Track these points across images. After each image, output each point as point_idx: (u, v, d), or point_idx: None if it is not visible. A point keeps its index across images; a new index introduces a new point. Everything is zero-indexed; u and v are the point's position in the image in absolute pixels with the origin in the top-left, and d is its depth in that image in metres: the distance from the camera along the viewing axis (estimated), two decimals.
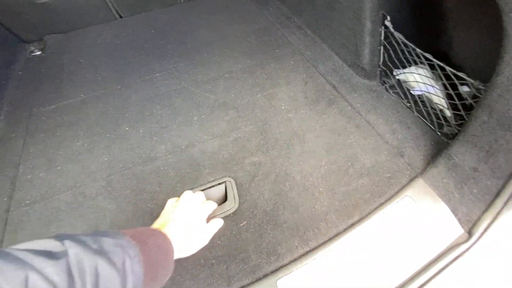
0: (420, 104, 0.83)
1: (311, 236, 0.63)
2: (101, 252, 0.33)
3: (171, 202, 0.63)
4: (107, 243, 0.35)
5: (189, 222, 0.57)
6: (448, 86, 0.73)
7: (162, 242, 0.48)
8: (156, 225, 0.56)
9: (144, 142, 0.86)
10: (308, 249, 0.61)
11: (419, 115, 0.83)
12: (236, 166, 0.77)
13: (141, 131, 0.89)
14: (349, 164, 0.74)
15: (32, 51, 1.25)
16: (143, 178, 0.76)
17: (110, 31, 1.35)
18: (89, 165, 0.81)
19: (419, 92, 0.85)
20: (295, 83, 0.99)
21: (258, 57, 1.11)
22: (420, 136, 0.79)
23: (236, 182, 0.73)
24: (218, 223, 0.64)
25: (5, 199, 0.75)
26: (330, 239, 0.62)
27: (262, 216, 0.67)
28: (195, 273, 0.59)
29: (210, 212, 0.64)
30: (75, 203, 0.73)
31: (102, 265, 0.32)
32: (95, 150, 0.85)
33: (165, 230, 0.53)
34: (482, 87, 0.63)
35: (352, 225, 0.64)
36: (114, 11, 1.39)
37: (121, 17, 1.43)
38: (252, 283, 0.57)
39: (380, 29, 0.86)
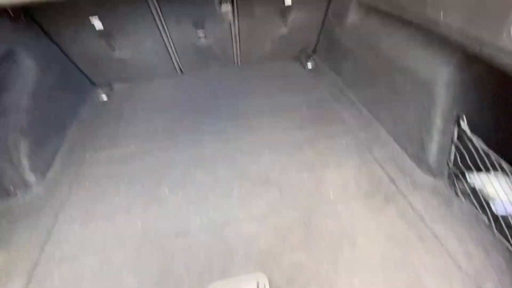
0: (502, 222, 0.68)
1: None
2: None
3: None
4: None
5: None
6: None
7: None
8: None
9: (180, 210, 0.82)
10: None
11: (502, 238, 0.68)
12: (273, 261, 0.68)
13: (179, 195, 0.86)
14: None
15: (99, 96, 1.37)
16: (172, 256, 0.71)
17: (170, 85, 1.45)
18: (123, 228, 0.78)
19: (503, 212, 0.70)
20: (346, 167, 0.91)
21: (308, 131, 1.07)
22: (505, 269, 0.63)
23: (270, 283, 0.63)
24: None
25: (37, 251, 0.74)
26: None
27: None
28: None
29: None
30: (100, 271, 0.69)
31: None
32: (132, 210, 0.83)
33: None
34: None
35: None
36: (177, 67, 1.51)
37: (182, 72, 1.54)
38: None
39: (453, 129, 0.77)
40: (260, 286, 0.63)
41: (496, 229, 0.70)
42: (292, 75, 1.45)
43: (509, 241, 0.67)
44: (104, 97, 1.36)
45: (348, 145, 1.00)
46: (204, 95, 1.34)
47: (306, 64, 1.49)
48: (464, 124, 0.74)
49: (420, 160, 0.88)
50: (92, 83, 1.44)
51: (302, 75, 1.44)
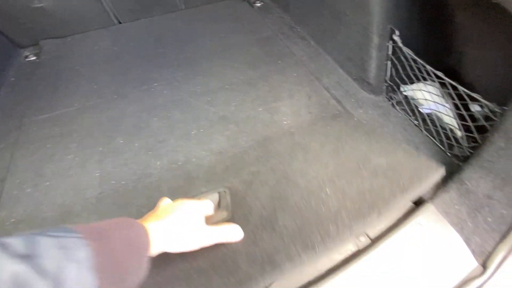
0: (429, 123, 0.79)
1: (317, 240, 0.58)
2: (28, 257, 0.26)
3: (164, 201, 0.56)
4: (44, 244, 0.28)
5: (184, 216, 0.50)
6: (460, 106, 0.69)
7: (136, 236, 0.40)
8: (141, 219, 0.48)
9: (139, 157, 0.81)
10: (313, 254, 0.56)
11: (428, 135, 0.80)
12: (232, 176, 0.72)
13: (136, 145, 0.85)
14: (361, 165, 0.69)
15: (27, 56, 1.21)
16: (134, 194, 0.72)
17: (108, 37, 1.31)
18: (80, 181, 0.76)
19: (428, 111, 0.81)
20: (298, 97, 0.95)
21: (260, 68, 1.07)
22: (429, 158, 0.75)
23: (231, 191, 0.68)
24: (232, 230, 0.56)
25: None
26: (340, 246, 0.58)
27: (257, 222, 0.60)
28: None
29: (209, 212, 0.57)
30: (60, 221, 0.68)
31: (24, 273, 0.25)
32: (87, 164, 0.80)
33: (146, 222, 0.45)
34: (498, 110, 0.60)
35: (370, 223, 0.59)
36: (113, 16, 1.36)
37: (120, 23, 1.39)
38: None
39: (387, 44, 0.83)
40: (221, 195, 0.68)
41: (424, 128, 0.81)
42: (240, 14, 1.39)
43: (433, 137, 0.78)
44: (32, 57, 1.20)
45: (299, 77, 1.03)
46: (149, 44, 1.25)
47: (254, 3, 1.42)
48: (396, 38, 0.79)
49: (362, 80, 0.94)
50: (17, 45, 1.25)
51: (250, 14, 1.39)
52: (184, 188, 0.71)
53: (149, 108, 0.95)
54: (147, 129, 0.89)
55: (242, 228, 0.58)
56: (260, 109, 0.93)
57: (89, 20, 1.34)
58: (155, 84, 1.04)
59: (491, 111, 0.62)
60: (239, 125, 0.88)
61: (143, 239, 0.41)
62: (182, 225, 0.48)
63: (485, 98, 0.64)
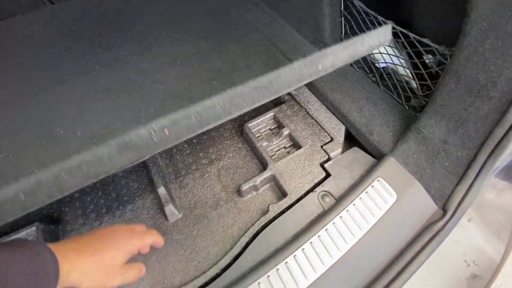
0: (386, 78, 0.78)
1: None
2: None
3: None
4: None
5: (109, 256, 0.43)
6: (412, 54, 0.68)
7: (37, 267, 0.34)
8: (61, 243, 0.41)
9: (83, 147, 0.73)
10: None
11: (386, 90, 0.78)
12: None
13: (79, 134, 0.76)
14: None
15: None
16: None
17: (40, 21, 1.16)
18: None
19: (384, 65, 0.79)
20: (254, 66, 0.90)
21: (213, 39, 1.00)
22: (388, 112, 0.74)
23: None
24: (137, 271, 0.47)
25: None
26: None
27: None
28: None
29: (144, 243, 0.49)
30: None
31: None
32: (21, 161, 0.71)
33: (64, 249, 0.39)
34: (448, 53, 0.58)
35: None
36: None
37: (52, 3, 1.23)
38: None
39: None
40: None
41: (382, 84, 0.79)
42: None
43: (391, 91, 0.77)
44: None
45: (254, 44, 0.97)
46: (87, 24, 1.11)
47: None
48: None
49: (319, 42, 0.91)
50: None
51: None
52: None
53: (90, 93, 0.85)
54: (90, 116, 0.80)
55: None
56: (216, 82, 0.86)
57: (16, 3, 1.17)
58: (97, 66, 0.93)
59: (442, 55, 0.61)
60: (194, 102, 0.81)
61: (46, 272, 0.34)
62: (102, 267, 0.42)
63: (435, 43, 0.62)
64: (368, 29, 0.76)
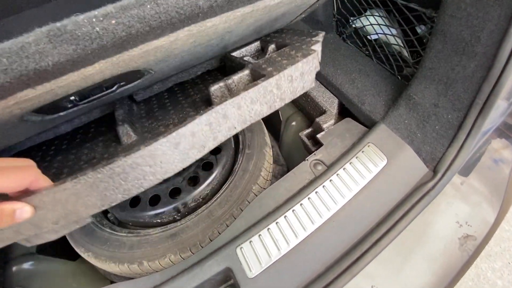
0: (378, 50, 0.78)
1: None
2: None
3: None
4: None
5: None
6: (402, 22, 0.68)
7: None
8: None
9: None
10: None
11: (379, 62, 0.79)
12: None
13: None
14: None
15: None
16: None
17: None
18: None
19: (376, 36, 0.80)
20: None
21: None
22: (380, 82, 0.74)
23: None
24: None
25: None
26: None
27: None
28: None
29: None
30: None
31: None
32: None
33: None
34: (434, 15, 0.59)
35: None
36: None
37: None
38: None
39: None
40: None
41: (375, 57, 0.80)
42: None
43: (383, 63, 0.78)
44: None
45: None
46: None
47: None
48: None
49: (312, 22, 0.92)
50: None
51: None
52: None
53: None
54: None
55: None
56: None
57: None
58: None
59: (428, 18, 0.61)
60: None
61: None
62: None
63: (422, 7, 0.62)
64: (359, 1, 0.76)
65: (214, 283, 0.51)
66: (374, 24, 0.77)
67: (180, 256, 0.66)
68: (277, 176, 0.95)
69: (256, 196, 0.75)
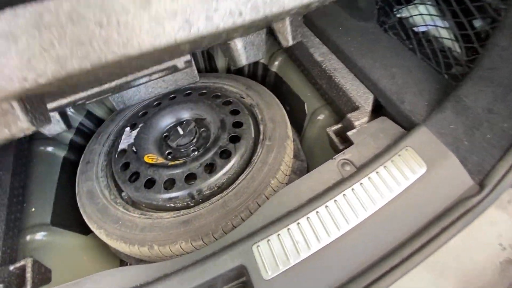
0: (425, 44, 0.70)
1: None
2: None
3: None
4: None
5: None
6: (459, 13, 0.60)
7: None
8: None
9: None
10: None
11: (423, 57, 0.71)
12: None
13: None
14: None
15: None
16: None
17: None
18: None
19: (425, 29, 0.72)
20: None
21: None
22: (423, 80, 0.67)
23: None
24: None
25: None
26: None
27: None
28: None
29: None
30: None
31: None
32: None
33: None
34: (503, 7, 0.51)
35: None
36: None
37: None
38: None
39: None
40: None
41: (419, 51, 0.72)
42: None
43: (429, 58, 0.70)
44: None
45: None
46: None
47: None
48: None
49: (352, 8, 0.84)
50: None
51: None
52: None
53: None
54: None
55: None
56: None
57: None
58: None
59: (494, 10, 0.53)
60: None
61: None
62: None
63: None
64: None
65: (226, 279, 0.48)
66: (423, 14, 0.69)
67: (192, 244, 0.64)
68: (296, 171, 0.90)
69: (274, 190, 0.72)
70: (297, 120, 0.98)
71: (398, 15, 0.77)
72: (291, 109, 1.00)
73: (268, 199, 0.70)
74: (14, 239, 0.62)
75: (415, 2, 0.72)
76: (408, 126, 0.63)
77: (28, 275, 0.55)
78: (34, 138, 0.82)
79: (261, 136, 0.80)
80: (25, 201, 0.70)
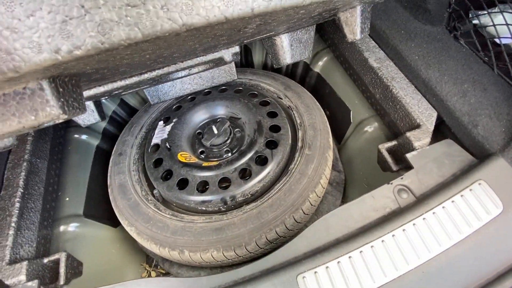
0: (506, 58, 0.61)
1: None
2: None
3: None
4: None
5: None
6: None
7: None
8: None
9: None
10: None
11: (501, 74, 0.62)
12: None
13: None
14: None
15: None
16: None
17: None
18: None
19: (509, 41, 0.62)
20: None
21: None
22: (501, 102, 0.58)
23: None
24: None
25: None
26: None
27: None
28: None
29: None
30: None
31: None
32: None
33: None
34: None
35: None
36: None
37: None
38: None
39: None
40: None
41: (497, 66, 0.62)
42: None
43: (509, 76, 0.61)
44: None
45: None
46: None
47: None
48: None
49: (417, 8, 0.74)
50: None
51: None
52: None
53: None
54: None
55: None
56: None
57: None
58: None
59: None
60: None
61: None
62: None
63: None
64: None
65: None
66: (509, 24, 0.59)
67: (223, 253, 0.62)
68: (332, 182, 0.85)
69: (312, 205, 0.67)
70: (338, 127, 0.91)
71: (474, 21, 0.67)
72: (332, 115, 0.93)
73: (305, 214, 0.66)
74: (49, 229, 0.62)
75: (500, 8, 0.62)
76: (479, 154, 0.55)
77: (62, 270, 0.54)
78: (69, 126, 0.81)
79: (299, 144, 0.75)
80: (60, 190, 0.70)
